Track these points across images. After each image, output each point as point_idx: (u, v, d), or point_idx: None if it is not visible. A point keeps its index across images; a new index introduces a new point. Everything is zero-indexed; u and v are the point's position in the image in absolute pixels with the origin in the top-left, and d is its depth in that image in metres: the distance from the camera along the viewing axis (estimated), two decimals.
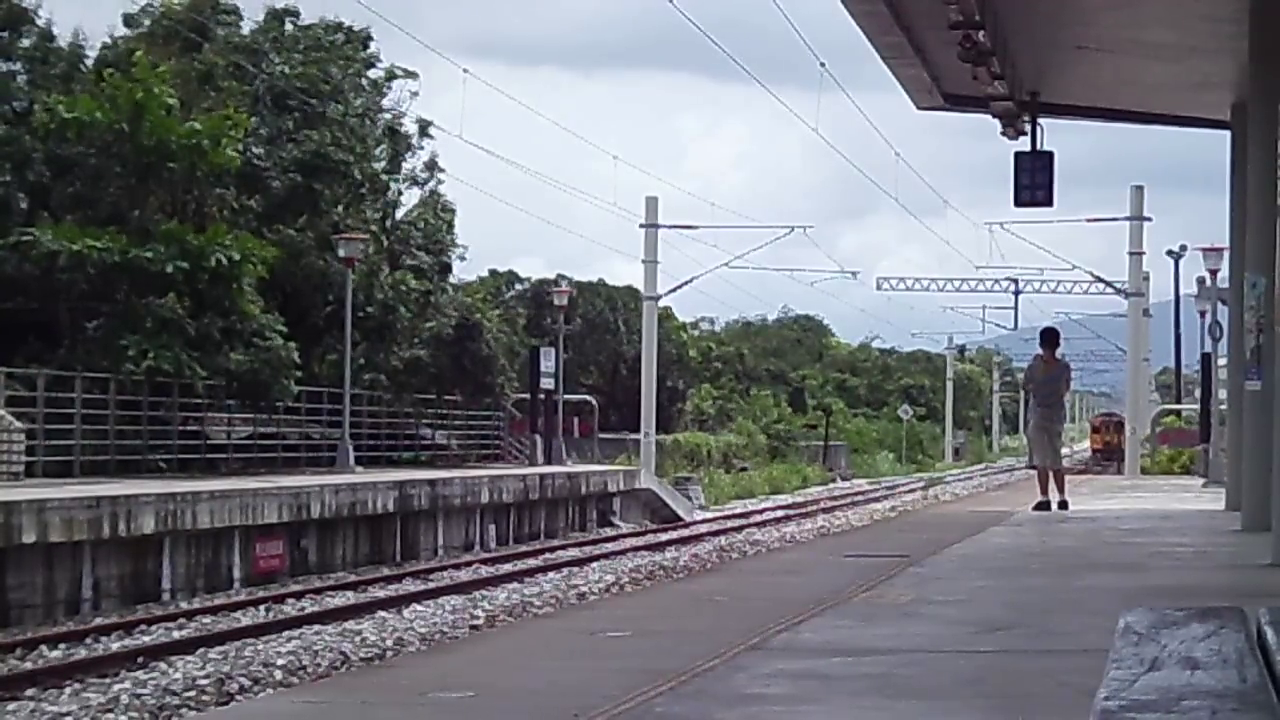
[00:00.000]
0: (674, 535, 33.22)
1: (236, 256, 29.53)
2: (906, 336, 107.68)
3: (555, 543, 32.23)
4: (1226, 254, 24.20)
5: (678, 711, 6.24)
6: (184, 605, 20.28)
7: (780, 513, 41.81)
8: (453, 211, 41.25)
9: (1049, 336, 21.02)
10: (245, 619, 18.77)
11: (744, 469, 62.44)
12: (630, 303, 63.84)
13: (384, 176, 39.07)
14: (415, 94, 41.45)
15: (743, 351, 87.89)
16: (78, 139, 30.04)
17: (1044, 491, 20.19)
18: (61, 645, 16.48)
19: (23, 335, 29.50)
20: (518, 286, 63.42)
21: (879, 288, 70.29)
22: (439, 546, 29.10)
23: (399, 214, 40.53)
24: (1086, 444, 77.82)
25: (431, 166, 40.78)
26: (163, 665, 14.85)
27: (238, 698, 13.23)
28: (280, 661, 14.91)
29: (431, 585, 22.66)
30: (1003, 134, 20.43)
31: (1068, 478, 22.22)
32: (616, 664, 7.56)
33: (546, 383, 42.44)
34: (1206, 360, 37.94)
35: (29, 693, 13.63)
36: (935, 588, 10.76)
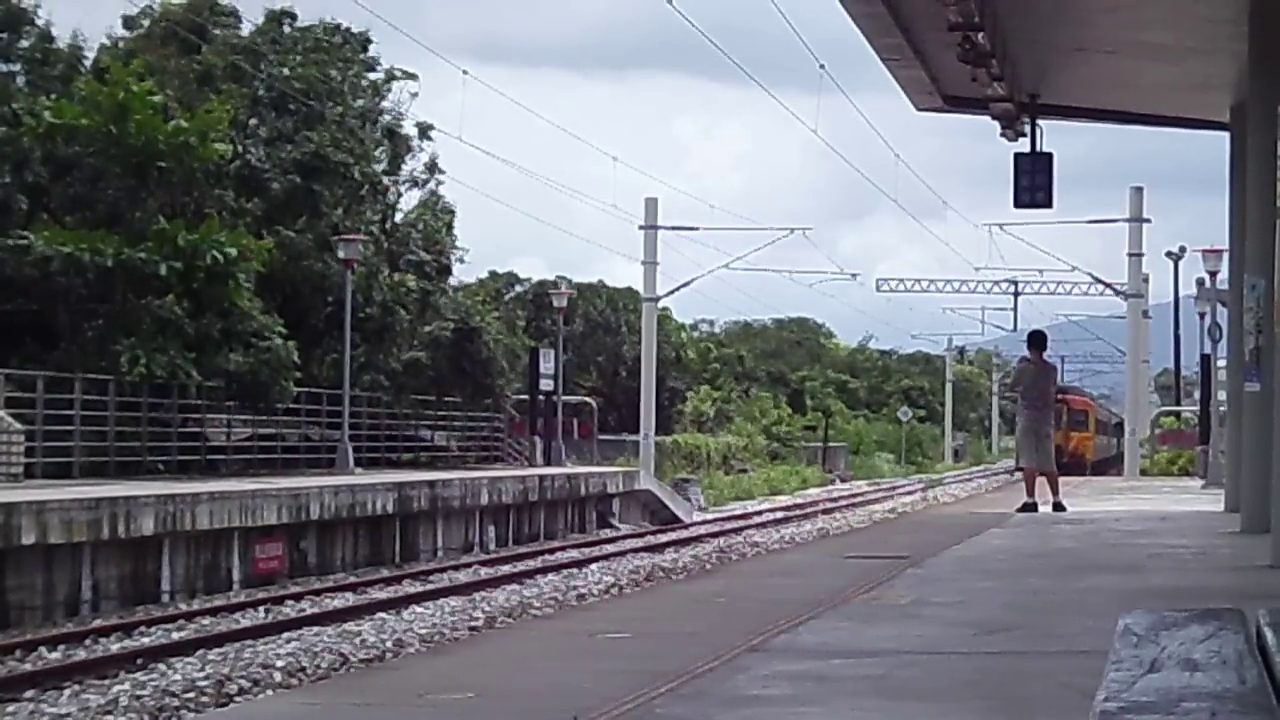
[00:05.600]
0: (673, 537, 33.22)
1: (232, 253, 29.49)
2: (906, 338, 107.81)
3: (555, 544, 32.22)
4: (1226, 255, 24.21)
5: (677, 712, 6.25)
6: (183, 606, 20.27)
7: (780, 514, 41.81)
8: (452, 213, 41.28)
9: (1036, 339, 21.03)
10: (245, 620, 18.77)
11: (743, 470, 62.46)
12: (630, 304, 63.90)
13: (384, 178, 39.07)
14: (415, 95, 41.49)
15: (741, 353, 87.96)
16: (69, 142, 30.02)
17: (1030, 493, 20.21)
18: (61, 647, 16.47)
19: (21, 337, 29.50)
20: (517, 288, 63.46)
21: (879, 289, 70.29)
22: (438, 548, 29.10)
23: (398, 216, 40.54)
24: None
25: (431, 168, 40.81)
26: (162, 667, 14.85)
27: (237, 699, 13.23)
28: (280, 663, 14.90)
29: (431, 586, 22.65)
30: (1002, 135, 20.44)
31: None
32: (616, 665, 7.55)
33: (546, 384, 42.46)
34: (1206, 362, 37.96)
35: (28, 694, 13.63)
36: (935, 589, 10.75)
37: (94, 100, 29.94)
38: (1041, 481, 20.45)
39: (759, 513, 42.97)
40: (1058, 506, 19.90)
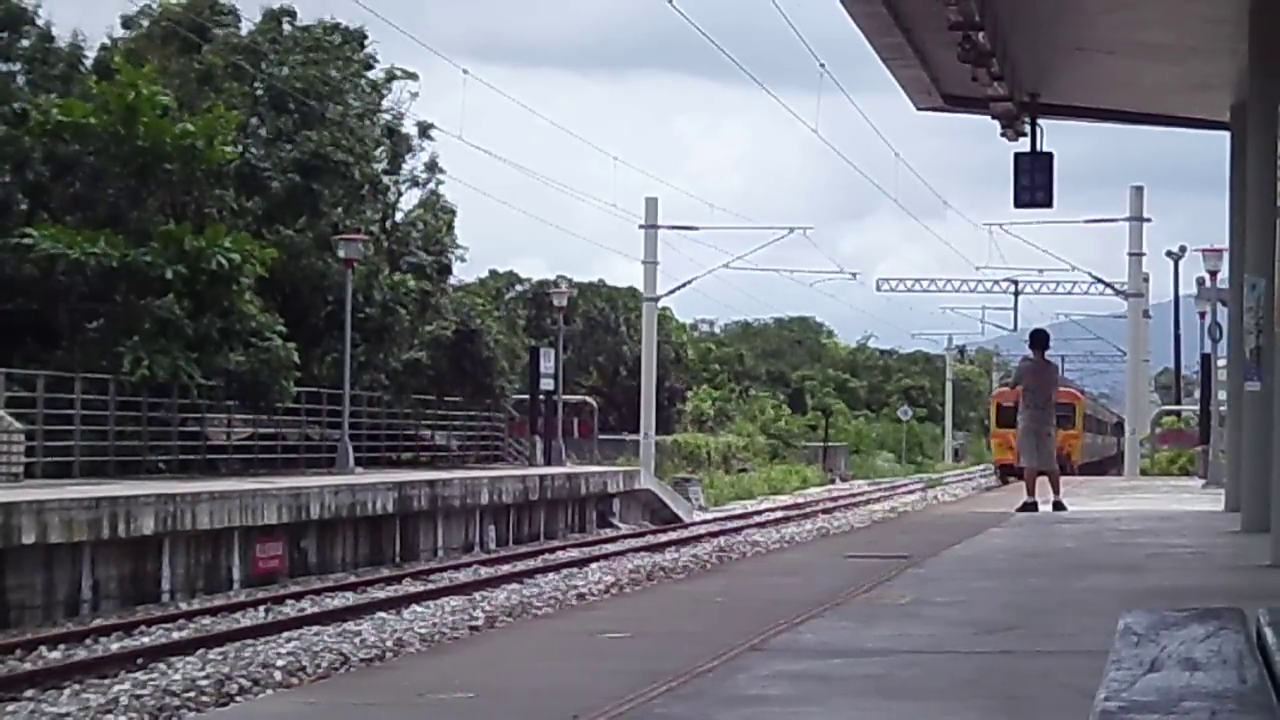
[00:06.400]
0: (673, 536, 33.22)
1: (237, 259, 29.54)
2: (906, 337, 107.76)
3: (555, 543, 32.23)
4: (1226, 255, 24.20)
5: (677, 712, 6.24)
6: (183, 606, 20.27)
7: (780, 514, 41.82)
8: (452, 212, 41.28)
9: (1039, 338, 21.03)
10: (245, 620, 18.77)
11: (743, 470, 62.47)
12: (630, 303, 63.92)
13: (384, 177, 39.06)
14: (415, 95, 41.47)
15: (741, 352, 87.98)
16: (74, 140, 30.05)
17: (1030, 493, 20.16)
18: (61, 646, 16.47)
19: (22, 336, 29.50)
20: (518, 287, 63.48)
21: (879, 288, 70.29)
22: (439, 547, 29.10)
23: (399, 215, 40.54)
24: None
25: (431, 167, 40.80)
26: (162, 666, 14.86)
27: (237, 699, 13.24)
28: (280, 662, 14.91)
29: (431, 586, 22.66)
30: (1002, 135, 20.42)
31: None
32: (616, 665, 7.55)
33: (546, 384, 42.45)
34: (1206, 361, 37.93)
35: (28, 694, 13.63)
36: (935, 589, 10.75)
37: (103, 100, 29.97)
38: (1042, 481, 20.42)
39: (759, 512, 42.98)
40: (1058, 506, 19.87)
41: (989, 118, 20.20)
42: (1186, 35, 17.82)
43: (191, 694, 13.28)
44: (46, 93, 31.64)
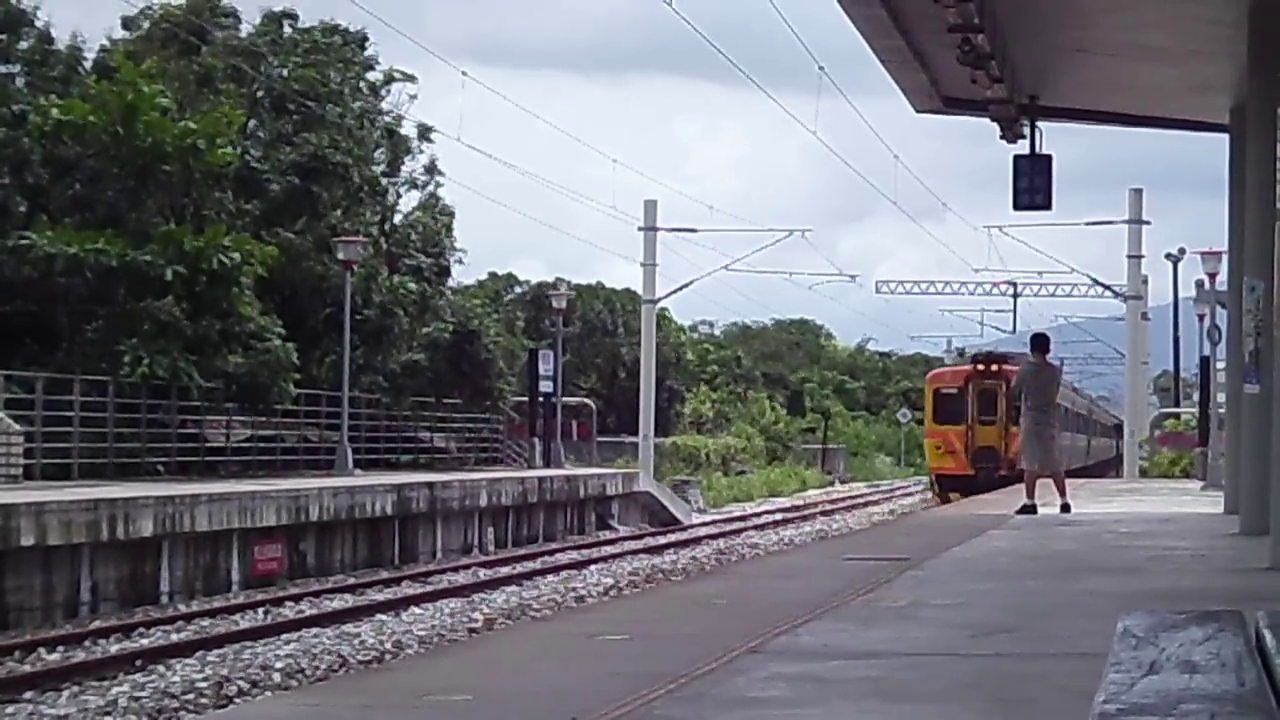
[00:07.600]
0: (672, 538, 33.23)
1: (237, 258, 29.53)
2: (905, 339, 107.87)
3: (554, 546, 32.24)
4: (1225, 257, 24.19)
5: (676, 714, 6.24)
6: (182, 608, 20.27)
7: (779, 516, 41.84)
8: (451, 214, 41.32)
9: (1040, 341, 21.07)
10: (244, 622, 18.78)
11: (742, 472, 62.47)
12: (629, 306, 63.95)
13: (383, 180, 39.08)
14: (414, 97, 41.52)
15: (739, 354, 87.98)
16: (74, 141, 30.06)
17: (1030, 495, 20.13)
18: (60, 648, 16.47)
19: (21, 338, 29.51)
20: (517, 289, 63.51)
21: (878, 291, 70.22)
22: (437, 549, 29.10)
23: (398, 217, 40.56)
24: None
25: (430, 169, 40.83)
26: (161, 668, 14.86)
27: (236, 700, 13.24)
28: (279, 664, 14.92)
29: (430, 588, 22.67)
30: (1001, 137, 20.41)
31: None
32: (615, 667, 7.55)
33: (545, 386, 42.46)
34: (1205, 364, 37.95)
35: (27, 695, 13.63)
36: (933, 591, 10.74)
37: (102, 100, 29.96)
38: (1043, 484, 20.38)
39: (758, 515, 43.01)
40: (1065, 508, 19.80)
41: (988, 120, 20.20)
42: (1186, 37, 17.82)
43: (190, 696, 13.28)
44: (46, 94, 31.64)
